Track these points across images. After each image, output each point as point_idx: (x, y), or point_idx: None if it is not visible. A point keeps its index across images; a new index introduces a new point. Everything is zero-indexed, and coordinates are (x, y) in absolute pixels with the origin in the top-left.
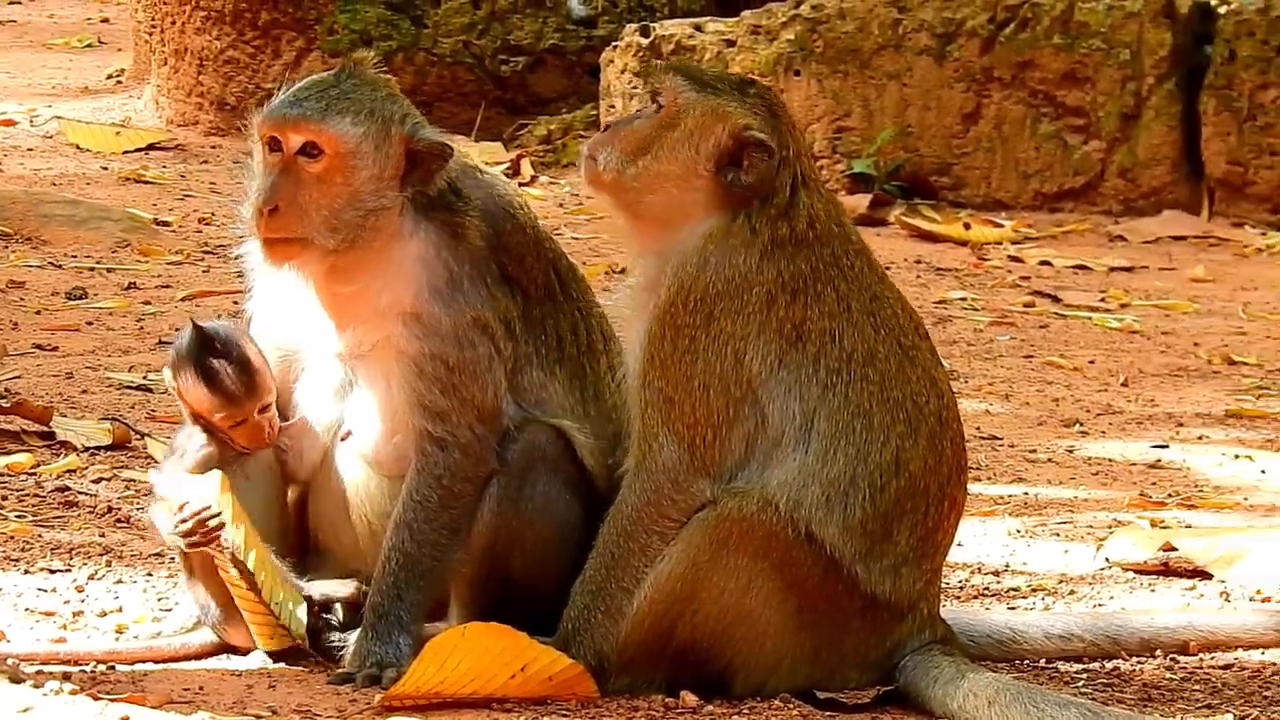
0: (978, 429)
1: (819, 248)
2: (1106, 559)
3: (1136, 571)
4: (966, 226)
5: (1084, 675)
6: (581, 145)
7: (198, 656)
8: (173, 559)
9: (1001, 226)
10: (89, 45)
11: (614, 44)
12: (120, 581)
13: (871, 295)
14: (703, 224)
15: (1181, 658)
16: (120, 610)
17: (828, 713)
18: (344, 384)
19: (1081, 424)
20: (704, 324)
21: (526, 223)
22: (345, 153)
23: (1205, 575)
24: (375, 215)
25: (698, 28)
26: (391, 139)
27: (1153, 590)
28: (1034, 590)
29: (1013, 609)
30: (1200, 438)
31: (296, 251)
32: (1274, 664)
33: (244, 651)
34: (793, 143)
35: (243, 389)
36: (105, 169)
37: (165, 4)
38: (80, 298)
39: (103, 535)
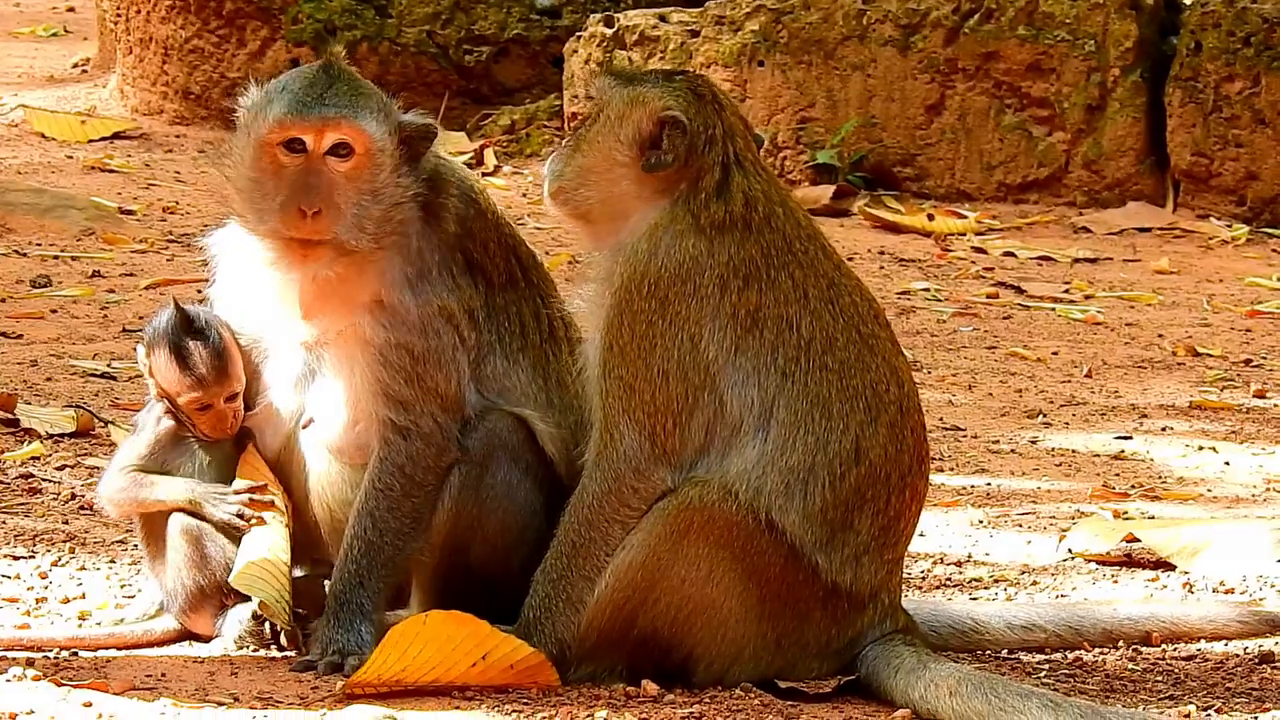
0: (941, 420)
1: (767, 232)
2: (1069, 550)
3: (1099, 562)
4: (930, 218)
5: (1046, 666)
6: (544, 169)
7: (160, 643)
8: (135, 546)
9: (965, 218)
10: (54, 34)
11: (578, 34)
12: (83, 568)
13: (829, 282)
14: (647, 215)
15: (1144, 649)
16: (83, 597)
17: (789, 702)
18: (306, 372)
19: (1045, 415)
20: (659, 309)
21: (488, 208)
22: (374, 150)
23: (1168, 566)
24: (400, 208)
25: (662, 18)
26: (393, 130)
27: (1115, 581)
28: (996, 581)
29: (975, 600)
30: (1164, 429)
31: (327, 253)
32: (1236, 655)
33: (206, 639)
34: (720, 123)
35: (214, 374)
36: (70, 158)
37: None
38: (44, 286)
39: (66, 522)
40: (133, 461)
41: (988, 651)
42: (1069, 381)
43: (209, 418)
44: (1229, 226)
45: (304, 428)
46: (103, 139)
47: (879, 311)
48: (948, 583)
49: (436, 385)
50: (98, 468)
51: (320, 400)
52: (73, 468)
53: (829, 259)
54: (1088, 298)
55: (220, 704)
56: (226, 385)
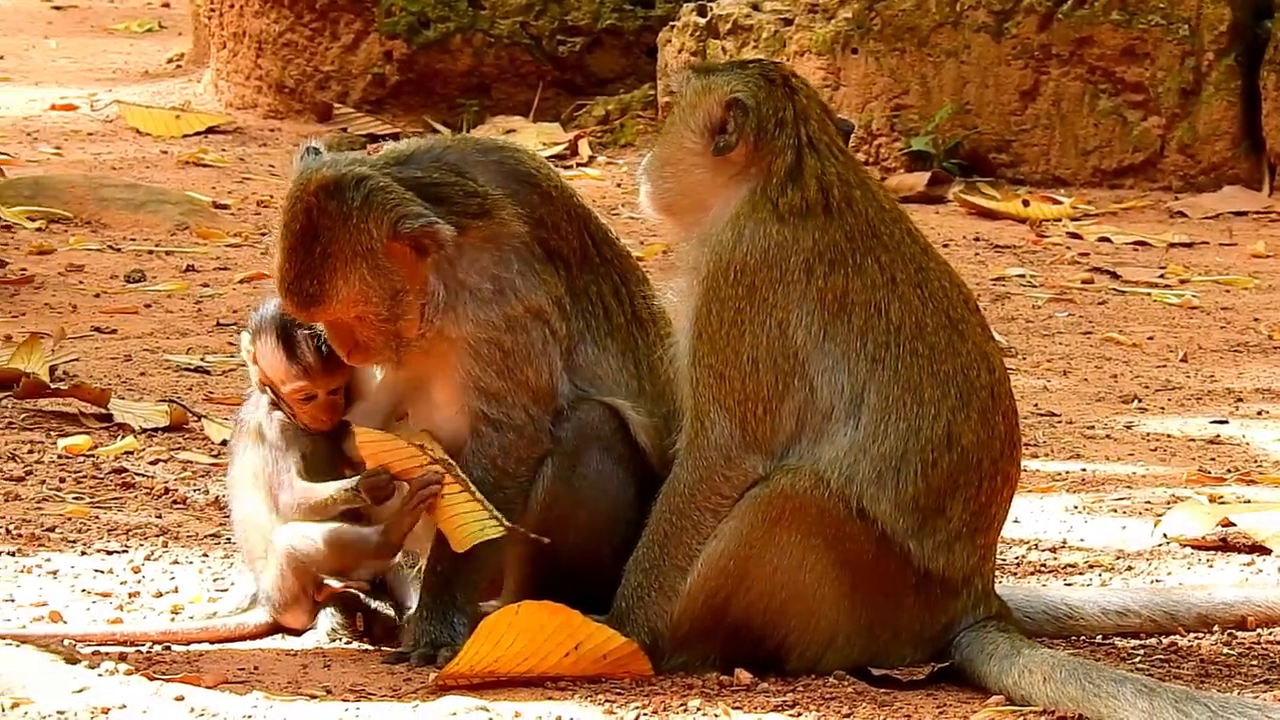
0: (1035, 405)
1: (848, 216)
2: (1164, 535)
3: (1194, 547)
4: (1025, 203)
5: (1141, 651)
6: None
7: (253, 637)
8: (229, 540)
9: (1060, 203)
10: (149, 30)
11: (671, 24)
12: (176, 562)
13: (917, 266)
14: (729, 204)
15: (1239, 633)
16: (176, 591)
17: (882, 689)
18: (399, 368)
19: (1140, 400)
20: (747, 295)
21: (550, 188)
22: (355, 306)
23: (1264, 550)
24: (417, 307)
25: (755, 6)
26: (379, 258)
27: (1210, 566)
28: (1091, 566)
29: (1069, 585)
30: (1260, 413)
31: (384, 361)
32: None
33: (299, 633)
34: (791, 106)
35: (320, 365)
36: (165, 153)
37: None
38: (139, 281)
39: (159, 516)
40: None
41: (1082, 637)
42: (1164, 366)
43: (311, 409)
44: None
45: (398, 420)
46: (197, 134)
47: (969, 296)
48: (1042, 568)
49: (528, 379)
50: (190, 462)
51: (413, 393)
52: (166, 462)
53: (915, 243)
54: (1183, 282)
55: (313, 696)
56: (332, 378)
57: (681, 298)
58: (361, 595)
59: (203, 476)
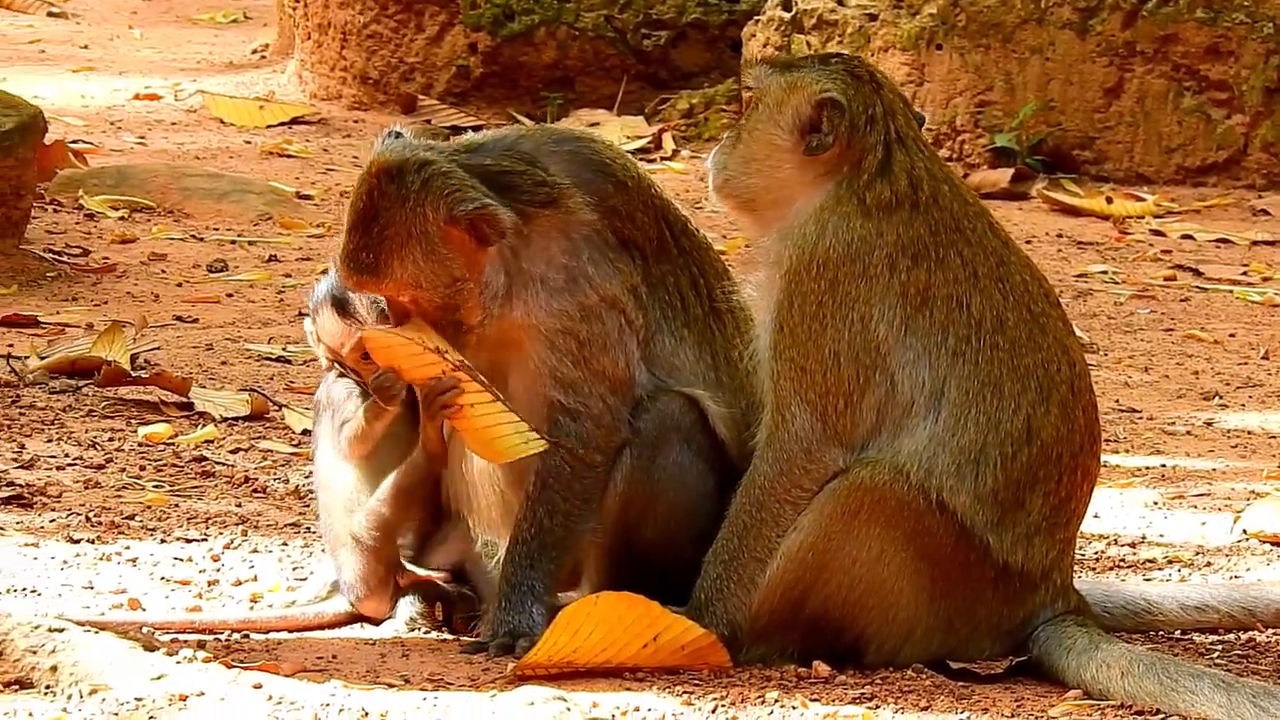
0: (1116, 402)
1: (934, 210)
2: (1244, 531)
3: (1274, 543)
4: (1108, 200)
5: (1219, 647)
6: (708, 163)
7: (331, 625)
8: (309, 529)
9: (1144, 200)
10: (234, 20)
11: (756, 18)
12: (256, 551)
13: (998, 260)
14: (812, 199)
15: None
16: (255, 579)
17: (960, 682)
18: (475, 353)
19: (1221, 397)
20: (829, 290)
21: (626, 178)
22: (410, 286)
23: None
24: (474, 294)
25: (840, 1)
26: (436, 241)
27: None
28: (1170, 562)
29: (1148, 580)
30: None
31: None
32: None
33: (377, 622)
34: (880, 102)
35: (374, 316)
36: (248, 143)
37: None
38: (221, 270)
39: (239, 505)
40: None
41: (1160, 632)
42: (1246, 364)
43: (374, 368)
44: None
45: None
46: (281, 124)
47: (1049, 290)
48: (1121, 564)
49: (604, 368)
50: (271, 451)
51: (490, 382)
52: (246, 451)
53: (997, 236)
54: (1266, 280)
55: (391, 685)
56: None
57: (762, 292)
58: (441, 584)
59: (283, 466)
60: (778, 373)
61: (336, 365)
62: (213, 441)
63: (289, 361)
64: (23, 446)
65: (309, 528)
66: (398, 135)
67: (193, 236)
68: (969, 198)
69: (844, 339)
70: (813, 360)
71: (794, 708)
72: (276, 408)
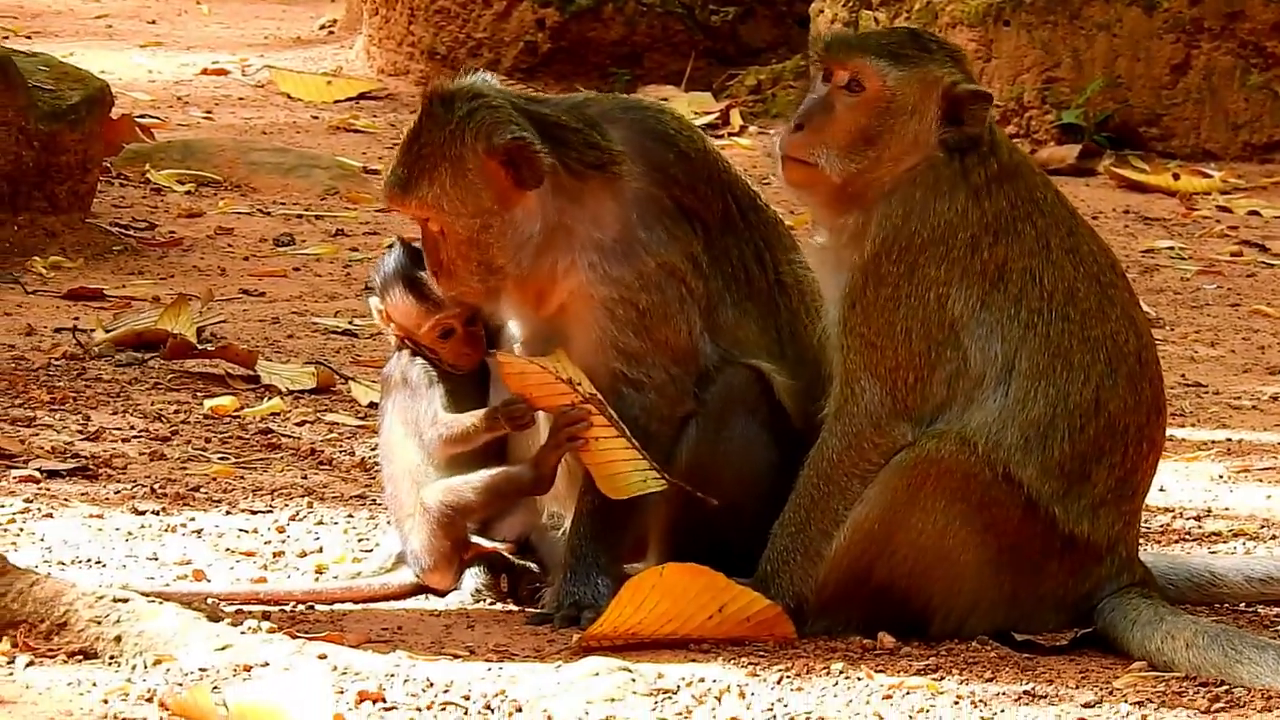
0: (1183, 376)
1: (1017, 181)
2: None
3: None
4: (1175, 177)
5: None
6: (775, 145)
7: (397, 597)
8: (374, 500)
9: (1210, 177)
10: None
11: None
12: (321, 523)
13: (1068, 230)
14: (908, 174)
15: None
16: (320, 551)
17: (1025, 654)
18: (543, 330)
19: None
20: (908, 273)
21: (691, 149)
22: (440, 211)
23: None
24: (507, 235)
25: None
26: (470, 169)
27: None
28: (1236, 535)
29: (1214, 553)
30: None
31: (475, 295)
32: None
33: (442, 593)
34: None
35: (443, 296)
36: (315, 118)
37: None
38: (288, 244)
39: (305, 477)
40: (425, 407)
41: (1225, 604)
42: None
43: (452, 345)
44: None
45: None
46: (348, 99)
47: (1115, 260)
48: (1186, 536)
49: (666, 338)
50: (337, 423)
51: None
52: (312, 423)
53: (1064, 206)
54: None
55: (456, 656)
56: (464, 307)
57: (831, 267)
58: (506, 555)
59: (349, 438)
60: (847, 346)
61: (407, 343)
62: (278, 414)
63: (355, 335)
64: (88, 419)
65: (375, 500)
66: (484, 80)
67: (259, 211)
68: (1035, 165)
69: (918, 316)
70: (884, 337)
71: (859, 679)
72: (342, 381)
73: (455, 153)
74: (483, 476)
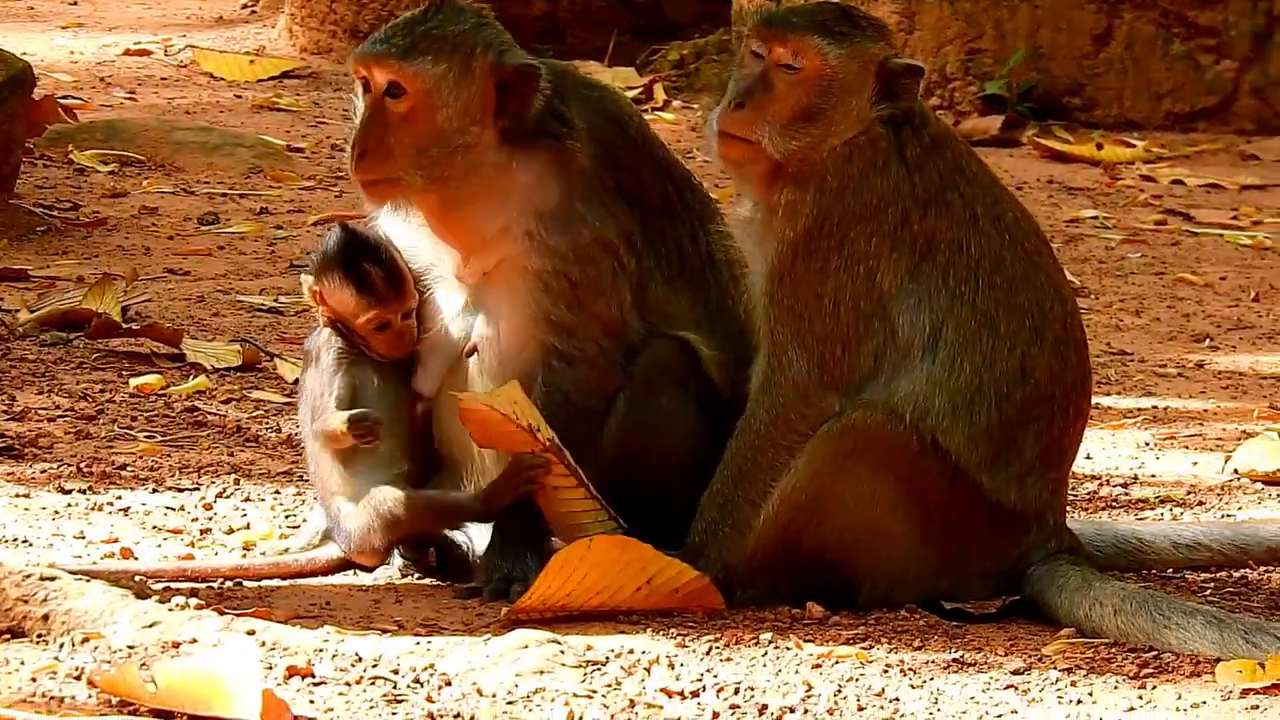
0: (1108, 344)
1: (945, 152)
2: (1235, 470)
3: (1265, 482)
4: (1099, 147)
5: (1211, 584)
6: (710, 121)
7: (325, 572)
8: (301, 477)
9: (1134, 146)
10: None
11: None
12: (248, 499)
13: (993, 198)
14: (845, 148)
15: None
16: (247, 527)
17: (954, 623)
18: (471, 301)
19: (1212, 339)
20: (838, 246)
21: (638, 136)
22: (429, 92)
23: None
24: (465, 151)
25: None
26: (474, 72)
27: None
28: (1163, 501)
29: (1141, 520)
30: None
31: (390, 191)
32: None
33: (370, 568)
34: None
35: (389, 290)
36: (239, 97)
37: None
38: (212, 223)
39: (231, 455)
40: (323, 394)
41: (1153, 571)
42: (1236, 306)
43: (387, 337)
44: None
45: (468, 356)
46: (271, 78)
47: (1037, 226)
48: (1114, 503)
49: (598, 311)
50: (263, 401)
51: (483, 328)
52: (238, 401)
53: (988, 174)
54: (1256, 224)
55: (385, 631)
56: (403, 302)
57: (760, 238)
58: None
59: (275, 415)
60: (775, 319)
61: (335, 325)
62: (204, 392)
63: (280, 313)
64: (13, 399)
65: (301, 476)
66: None
67: (183, 190)
68: (959, 136)
69: (847, 290)
70: (812, 308)
71: (788, 648)
72: (269, 358)
73: (465, 50)
74: (433, 499)
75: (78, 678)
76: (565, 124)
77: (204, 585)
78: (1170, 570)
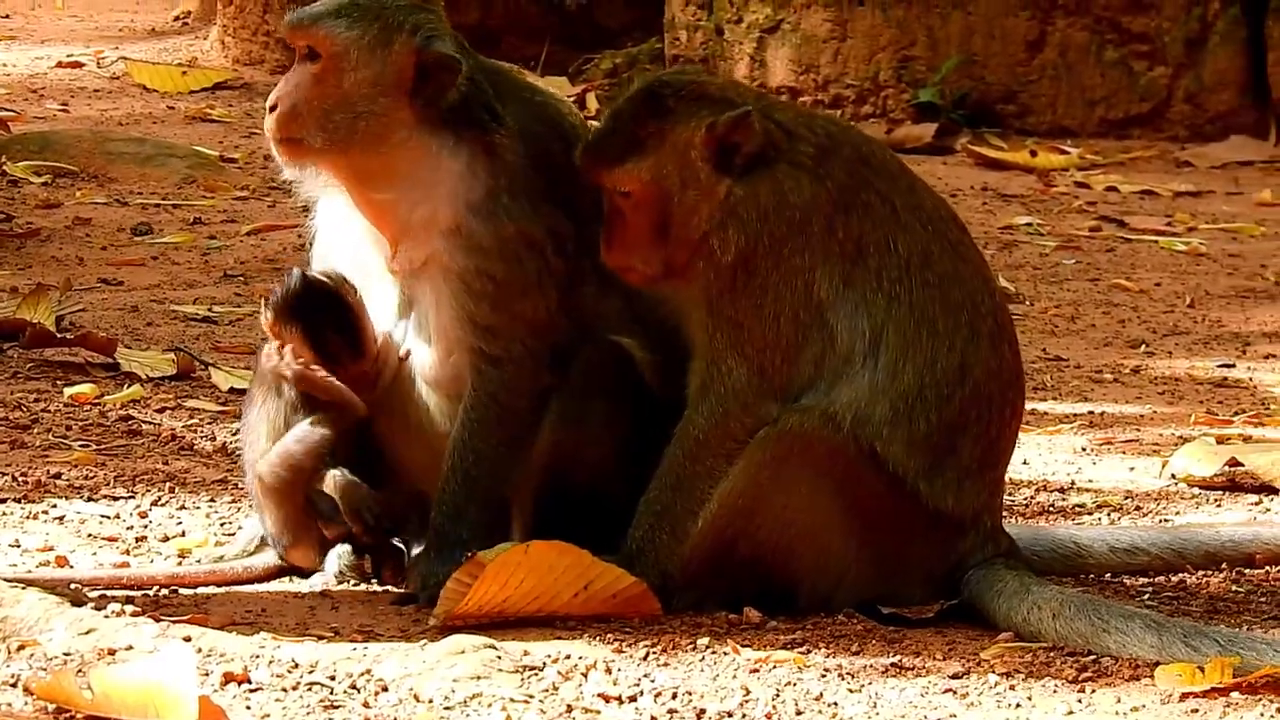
0: (1044, 350)
1: (842, 148)
2: (1172, 475)
3: (1202, 487)
4: (1033, 154)
5: (1149, 589)
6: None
7: (260, 579)
8: (236, 485)
9: (1068, 153)
10: None
11: None
12: (183, 507)
13: (908, 186)
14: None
15: (1247, 570)
16: (183, 535)
17: (891, 627)
18: (401, 304)
19: (1148, 344)
20: (774, 265)
21: (574, 136)
22: (340, 55)
23: (1271, 490)
24: (371, 119)
25: None
26: (393, 47)
27: (1218, 505)
28: (1100, 507)
29: (1079, 525)
30: (1267, 356)
31: (298, 151)
32: None
33: (307, 574)
34: (738, 92)
35: (350, 356)
36: (172, 108)
37: None
38: (146, 233)
39: (166, 463)
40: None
41: (1090, 575)
42: (1172, 312)
43: (345, 380)
44: None
45: (401, 359)
46: (204, 90)
47: (954, 212)
48: (1051, 509)
49: (523, 311)
50: (198, 409)
51: (415, 332)
52: (173, 410)
53: (894, 159)
54: (1190, 230)
55: (321, 637)
56: (360, 364)
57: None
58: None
59: (210, 424)
60: (713, 327)
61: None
62: (139, 401)
63: (215, 322)
64: None
65: (236, 484)
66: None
67: (117, 201)
68: (845, 124)
69: (786, 301)
70: (751, 319)
71: (725, 654)
72: (203, 367)
73: (386, 24)
74: (302, 425)
75: (14, 685)
76: (494, 118)
77: (140, 593)
78: (1108, 575)
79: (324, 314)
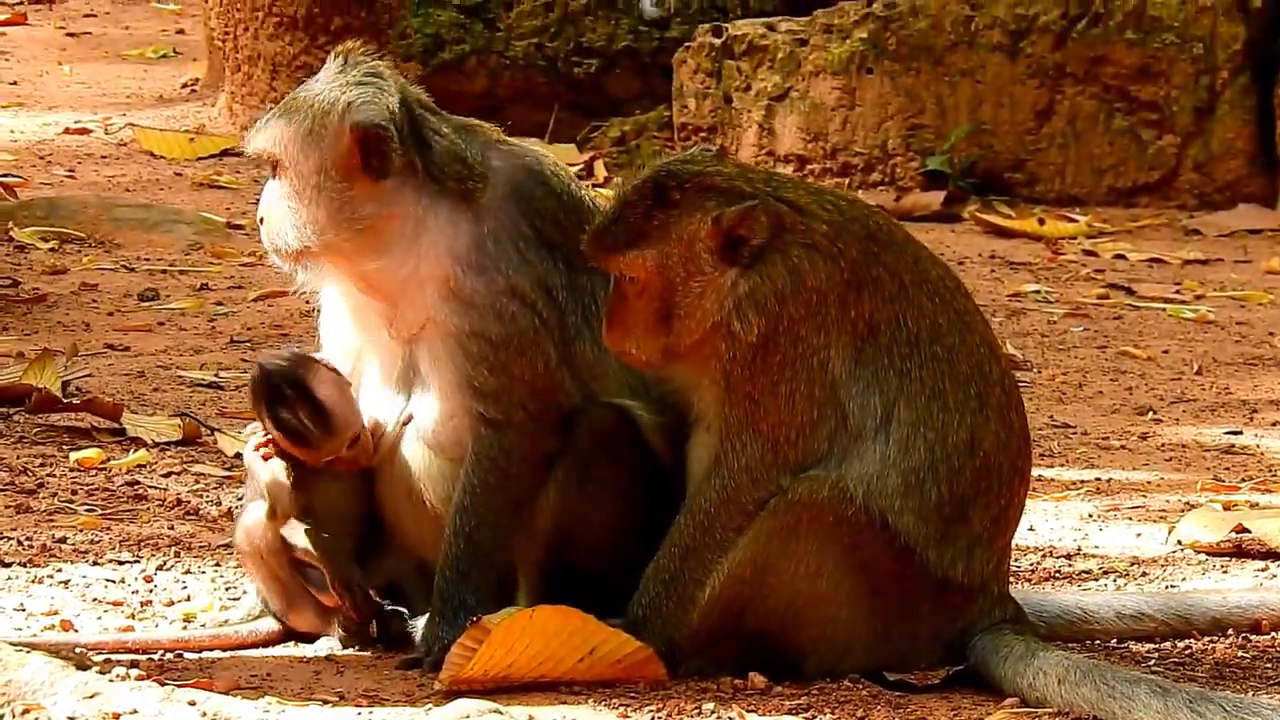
0: (1051, 417)
1: (852, 225)
2: (1179, 541)
3: (1209, 553)
4: (1041, 222)
5: (1155, 654)
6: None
7: (265, 644)
8: None
9: (1076, 221)
10: (164, 56)
11: (686, 44)
12: (189, 572)
13: (913, 257)
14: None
15: (1254, 636)
16: (188, 600)
17: (897, 693)
18: (405, 369)
19: (1155, 411)
20: (792, 344)
21: (561, 188)
22: (286, 158)
23: (1277, 556)
24: (338, 206)
25: (770, 27)
26: (327, 132)
27: (1225, 571)
28: (1106, 573)
29: (1085, 590)
30: (1274, 424)
31: (299, 258)
32: None
33: (311, 639)
34: (747, 179)
35: (320, 436)
36: (179, 175)
37: (238, 11)
38: (152, 299)
39: (171, 528)
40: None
41: (1097, 641)
42: (1179, 379)
43: (337, 464)
44: None
45: (404, 424)
46: (211, 156)
47: (958, 280)
48: (1057, 575)
49: (523, 373)
50: (203, 474)
51: (418, 396)
52: (179, 474)
53: (900, 230)
54: (1198, 298)
55: (326, 702)
56: (338, 440)
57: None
58: (375, 600)
59: (215, 488)
60: (730, 403)
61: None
62: (145, 466)
63: (221, 387)
64: None
65: None
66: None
67: (124, 267)
68: (850, 195)
69: (802, 379)
70: (767, 395)
71: (730, 719)
72: (209, 432)
73: (316, 112)
74: (250, 509)
75: None
76: (468, 168)
77: (145, 657)
78: (1114, 641)
79: (283, 401)
